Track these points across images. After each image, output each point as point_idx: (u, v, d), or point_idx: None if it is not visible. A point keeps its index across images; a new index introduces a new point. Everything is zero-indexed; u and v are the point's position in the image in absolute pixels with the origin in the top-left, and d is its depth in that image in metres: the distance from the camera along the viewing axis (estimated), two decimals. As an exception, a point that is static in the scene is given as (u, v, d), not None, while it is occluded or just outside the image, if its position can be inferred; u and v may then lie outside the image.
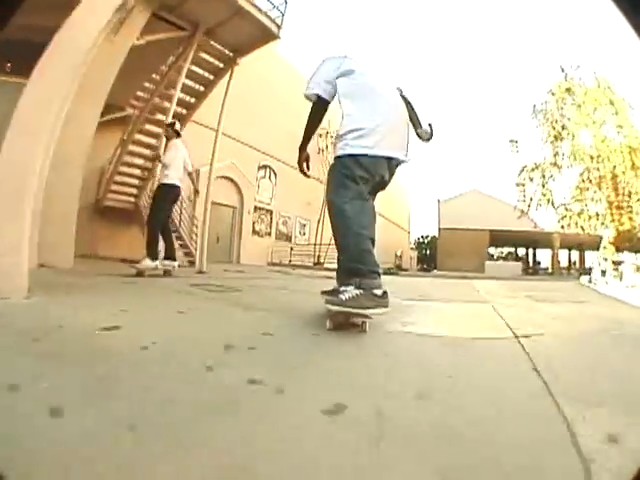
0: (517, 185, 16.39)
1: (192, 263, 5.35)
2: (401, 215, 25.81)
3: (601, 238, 13.61)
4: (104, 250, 5.95)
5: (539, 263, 27.38)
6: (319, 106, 1.62)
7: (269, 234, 11.33)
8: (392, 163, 1.59)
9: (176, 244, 3.81)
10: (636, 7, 0.55)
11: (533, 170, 13.53)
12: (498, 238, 22.98)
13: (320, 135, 12.49)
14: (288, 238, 12.18)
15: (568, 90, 12.10)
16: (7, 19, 0.57)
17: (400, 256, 24.49)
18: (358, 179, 1.51)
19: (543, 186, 13.39)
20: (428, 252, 33.62)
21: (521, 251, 30.71)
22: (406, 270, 25.54)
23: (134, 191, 6.40)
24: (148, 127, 5.72)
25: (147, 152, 5.79)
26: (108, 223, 6.31)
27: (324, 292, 1.59)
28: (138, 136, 5.69)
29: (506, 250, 31.40)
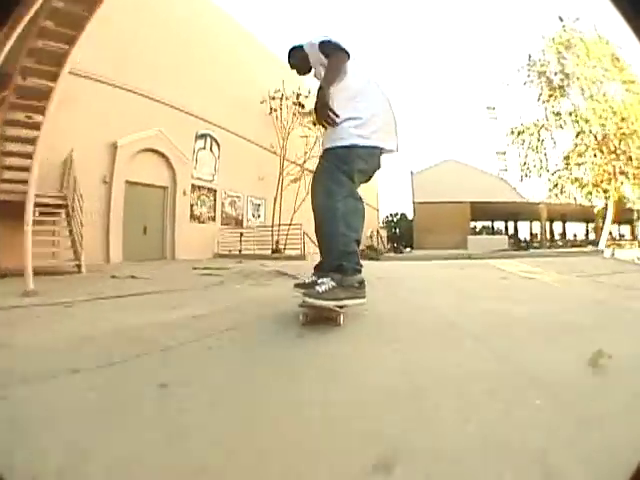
0: (502, 152, 16.84)
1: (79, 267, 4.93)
2: (370, 193, 26.29)
3: (603, 209, 14.58)
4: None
5: (531, 235, 29.21)
6: (345, 61, 1.73)
7: (213, 219, 10.66)
8: (382, 153, 1.78)
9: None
10: (636, 9, 0.62)
11: (521, 133, 13.98)
12: (480, 211, 24.01)
13: (273, 98, 12.29)
14: (239, 222, 11.64)
15: (567, 42, 12.38)
16: (6, 19, 0.65)
17: (372, 237, 25.17)
18: (355, 173, 1.67)
19: (536, 150, 13.88)
20: (397, 230, 35.65)
21: (498, 224, 32.55)
22: (381, 252, 26.51)
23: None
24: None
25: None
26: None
27: (298, 285, 1.74)
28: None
29: (480, 224, 33.07)
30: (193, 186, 9.90)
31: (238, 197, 11.73)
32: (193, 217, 9.92)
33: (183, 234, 9.32)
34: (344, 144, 1.63)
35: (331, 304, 1.50)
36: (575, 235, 31.52)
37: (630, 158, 11.58)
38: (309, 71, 1.97)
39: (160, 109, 9.03)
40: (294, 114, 12.43)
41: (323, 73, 1.72)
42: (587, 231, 31.10)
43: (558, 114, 12.86)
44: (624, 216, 19.16)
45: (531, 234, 29.35)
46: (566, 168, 13.42)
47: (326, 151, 1.70)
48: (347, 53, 1.73)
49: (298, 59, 1.94)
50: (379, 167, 1.84)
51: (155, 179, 8.95)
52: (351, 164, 1.64)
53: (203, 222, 10.30)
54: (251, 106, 12.03)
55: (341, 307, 1.52)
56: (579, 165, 12.87)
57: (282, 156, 12.46)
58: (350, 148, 1.63)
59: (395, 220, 37.58)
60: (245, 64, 12.19)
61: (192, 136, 10.08)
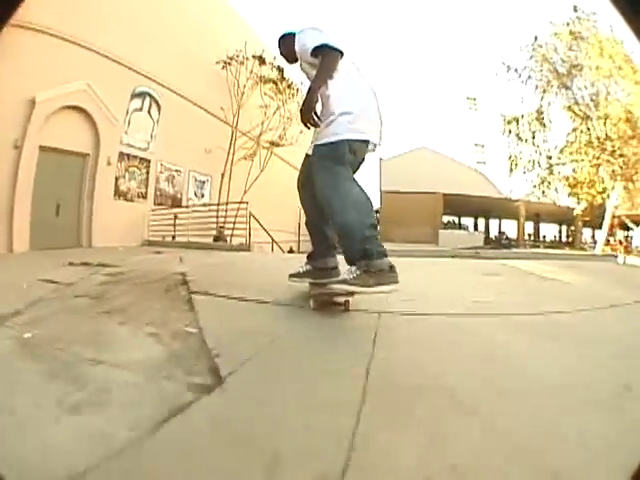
0: (481, 145, 17.79)
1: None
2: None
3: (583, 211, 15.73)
4: None
5: (503, 233, 30.86)
6: (338, 61, 1.95)
7: (143, 196, 9.86)
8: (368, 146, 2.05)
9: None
10: (636, 9, 0.68)
11: (510, 123, 14.57)
12: (454, 204, 24.80)
13: (231, 59, 11.75)
14: (177, 202, 10.93)
15: (578, 33, 12.90)
16: (6, 19, 0.88)
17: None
18: (348, 165, 1.96)
19: (528, 142, 14.54)
20: None
21: (465, 220, 33.84)
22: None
23: None
24: None
25: None
26: None
27: (294, 275, 2.28)
28: None
29: (445, 219, 34.59)
30: (121, 155, 9.13)
31: (178, 171, 11.10)
32: (118, 193, 9.12)
33: (104, 215, 8.51)
34: (340, 138, 1.89)
35: (360, 290, 1.77)
36: (557, 236, 33.60)
37: (626, 162, 12.52)
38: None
39: (90, 59, 8.26)
40: (255, 82, 12.09)
41: (309, 70, 2.05)
42: (560, 233, 33.35)
43: (575, 104, 13.54)
44: (596, 222, 20.78)
45: (499, 232, 31.00)
46: (560, 164, 14.26)
47: (321, 146, 1.95)
48: (340, 52, 1.95)
49: (288, 48, 2.16)
50: (364, 159, 2.15)
51: (74, 144, 8.16)
52: (345, 156, 1.92)
53: (131, 200, 9.51)
54: (204, 66, 11.48)
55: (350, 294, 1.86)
56: (576, 162, 13.64)
57: (234, 126, 12.04)
58: (345, 142, 1.90)
59: None
60: (201, 15, 11.57)
61: (127, 94, 9.33)
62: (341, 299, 1.91)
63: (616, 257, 6.06)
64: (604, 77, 12.66)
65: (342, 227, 1.90)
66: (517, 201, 24.36)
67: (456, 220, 35.06)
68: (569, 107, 13.56)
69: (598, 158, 12.93)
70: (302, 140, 15.05)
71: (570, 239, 30.69)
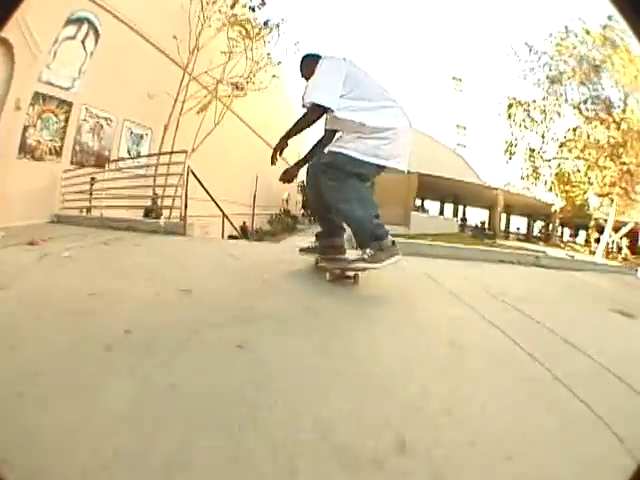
0: (462, 127, 19.83)
1: None
2: (290, 149, 26.58)
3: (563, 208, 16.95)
4: None
5: (483, 223, 32.60)
6: (321, 113, 2.59)
7: (57, 152, 8.19)
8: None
9: None
10: (636, 9, 0.77)
11: (514, 107, 15.10)
12: (429, 186, 25.18)
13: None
14: (102, 161, 9.14)
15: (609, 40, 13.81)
16: (5, 19, 0.95)
17: (287, 200, 25.26)
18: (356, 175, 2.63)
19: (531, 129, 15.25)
20: None
21: (430, 205, 34.82)
22: (295, 218, 26.77)
23: None
24: None
25: None
26: None
27: (304, 250, 3.17)
28: None
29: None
30: (36, 95, 7.60)
31: (108, 120, 9.61)
32: (25, 150, 7.50)
33: (2, 179, 6.98)
34: (360, 158, 2.56)
35: (377, 266, 2.49)
36: (540, 230, 35.61)
37: (629, 171, 13.40)
38: None
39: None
40: (223, 23, 11.22)
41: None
42: (529, 226, 35.51)
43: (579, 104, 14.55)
44: (576, 220, 22.41)
45: (482, 222, 32.24)
46: (559, 158, 15.12)
47: (338, 153, 2.60)
48: (326, 109, 2.54)
49: (309, 71, 2.72)
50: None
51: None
52: (357, 169, 2.60)
53: (40, 158, 7.83)
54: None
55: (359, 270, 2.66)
56: (578, 159, 14.52)
57: (191, 71, 10.97)
58: (364, 162, 2.58)
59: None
60: None
61: (62, 18, 7.82)
62: (352, 273, 2.76)
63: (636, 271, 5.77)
64: (629, 84, 13.21)
65: (354, 222, 2.64)
66: (496, 189, 25.41)
67: (419, 203, 36.21)
68: (578, 104, 14.27)
69: (597, 160, 13.69)
70: (269, 97, 14.60)
71: (543, 234, 32.90)
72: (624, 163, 13.63)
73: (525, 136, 16.11)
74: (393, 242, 2.54)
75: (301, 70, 2.90)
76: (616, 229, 18.45)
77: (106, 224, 6.22)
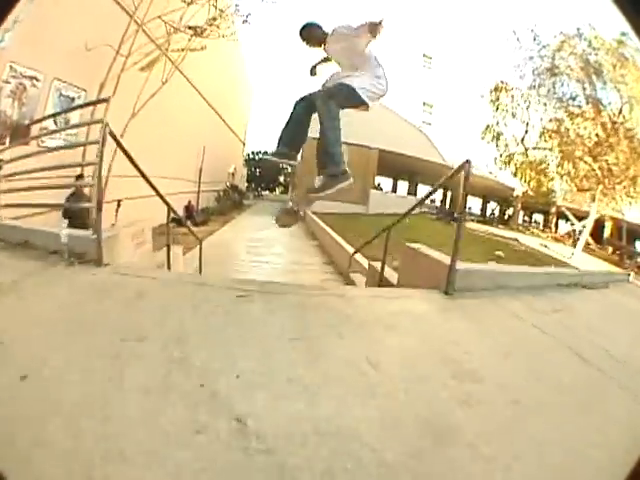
0: (430, 105, 21.34)
1: None
2: (238, 119, 27.57)
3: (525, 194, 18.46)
4: None
5: (442, 202, 34.59)
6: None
7: None
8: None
9: None
10: (636, 9, 0.89)
11: (499, 91, 16.30)
12: (388, 163, 25.68)
13: None
14: (22, 134, 7.66)
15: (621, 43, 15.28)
16: (4, 17, 1.09)
17: (233, 174, 24.99)
18: None
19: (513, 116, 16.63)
20: (259, 170, 41.78)
21: (382, 180, 35.86)
22: (242, 194, 26.63)
23: None
24: None
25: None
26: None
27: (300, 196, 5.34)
28: None
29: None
30: None
31: (34, 80, 8.69)
32: None
33: None
34: (359, 92, 3.55)
35: (340, 185, 3.52)
36: (493, 212, 37.87)
37: (610, 170, 15.11)
38: (319, 45, 3.86)
39: None
40: None
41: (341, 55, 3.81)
42: (484, 208, 38.02)
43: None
44: (537, 205, 24.17)
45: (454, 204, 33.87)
46: (538, 148, 16.54)
47: (347, 86, 3.54)
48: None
49: (316, 36, 3.84)
50: None
51: None
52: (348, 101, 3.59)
53: None
54: None
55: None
56: (551, 150, 15.89)
57: (134, 14, 10.08)
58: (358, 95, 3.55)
59: (257, 158, 42.09)
60: None
61: None
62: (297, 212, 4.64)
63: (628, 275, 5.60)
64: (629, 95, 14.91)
65: (331, 146, 3.49)
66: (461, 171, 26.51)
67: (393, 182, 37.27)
68: (567, 99, 15.66)
69: (573, 153, 15.17)
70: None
71: (499, 216, 35.14)
72: (607, 162, 15.03)
73: (507, 123, 17.45)
74: (345, 170, 3.52)
75: (306, 37, 3.84)
76: (580, 217, 19.99)
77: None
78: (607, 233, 22.32)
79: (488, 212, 38.10)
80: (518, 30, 18.18)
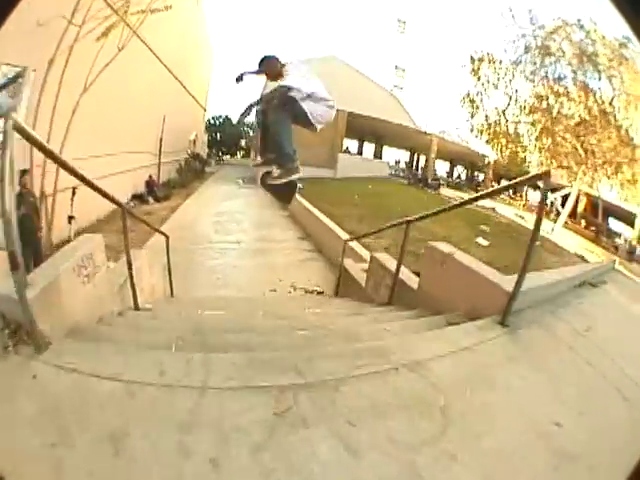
0: (402, 69, 21.64)
1: None
2: (199, 84, 27.04)
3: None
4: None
5: (418, 169, 35.32)
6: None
7: None
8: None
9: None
10: (636, 9, 0.80)
11: (482, 61, 16.98)
12: (357, 126, 25.82)
13: None
14: None
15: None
16: (4, 17, 1.08)
17: (194, 141, 24.74)
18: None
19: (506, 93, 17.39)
20: (219, 136, 42.04)
21: (348, 143, 36.17)
22: (204, 162, 26.41)
23: None
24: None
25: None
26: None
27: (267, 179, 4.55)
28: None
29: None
30: None
31: None
32: None
33: None
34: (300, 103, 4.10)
35: (287, 179, 4.31)
36: (459, 175, 38.88)
37: (593, 152, 16.30)
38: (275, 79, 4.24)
39: None
40: None
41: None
42: (451, 172, 39.43)
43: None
44: (509, 174, 25.08)
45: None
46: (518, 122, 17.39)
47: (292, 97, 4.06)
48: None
49: (273, 69, 4.28)
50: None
51: None
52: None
53: None
54: None
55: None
56: (533, 124, 16.80)
57: None
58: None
59: (218, 123, 42.49)
60: None
61: None
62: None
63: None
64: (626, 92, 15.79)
65: (281, 143, 4.22)
66: (430, 135, 27.14)
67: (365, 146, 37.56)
68: (553, 79, 16.72)
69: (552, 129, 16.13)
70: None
71: (468, 181, 36.31)
72: (590, 144, 15.97)
73: (490, 94, 17.94)
74: (297, 166, 4.35)
75: (263, 69, 4.36)
76: (553, 189, 21.04)
77: None
78: (581, 208, 23.27)
79: (454, 175, 39.47)
80: (514, 8, 18.72)
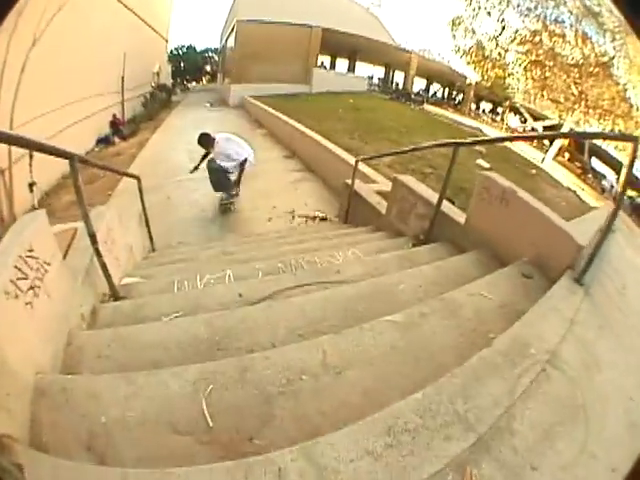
0: None
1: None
2: (160, 15, 25.99)
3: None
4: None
5: (397, 84, 35.01)
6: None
7: None
8: None
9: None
10: (636, 9, 0.87)
11: None
12: (333, 42, 25.08)
13: None
14: None
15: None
16: (3, 16, 1.04)
17: (158, 73, 24.03)
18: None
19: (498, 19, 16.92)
20: (183, 65, 41.78)
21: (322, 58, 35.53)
22: (170, 91, 25.48)
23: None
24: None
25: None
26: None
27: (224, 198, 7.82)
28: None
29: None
30: None
31: None
32: None
33: None
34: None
35: (230, 201, 7.66)
36: (435, 93, 39.03)
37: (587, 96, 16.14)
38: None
39: None
40: None
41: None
42: (427, 89, 39.75)
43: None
44: (490, 96, 25.04)
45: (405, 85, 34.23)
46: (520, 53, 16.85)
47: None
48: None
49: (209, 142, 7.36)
50: None
51: None
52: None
53: None
54: None
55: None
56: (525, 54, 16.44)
57: None
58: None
59: (181, 52, 42.41)
60: None
61: None
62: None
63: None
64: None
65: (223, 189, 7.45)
66: (410, 52, 26.75)
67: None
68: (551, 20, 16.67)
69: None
70: None
71: (447, 99, 36.22)
72: (583, 87, 15.75)
73: (481, 20, 17.70)
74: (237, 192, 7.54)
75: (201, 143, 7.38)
76: (535, 118, 20.73)
77: None
78: (566, 142, 23.40)
79: (431, 92, 39.45)
80: None
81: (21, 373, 1.50)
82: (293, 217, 7.30)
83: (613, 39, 15.69)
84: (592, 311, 2.23)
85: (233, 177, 7.18)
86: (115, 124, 14.71)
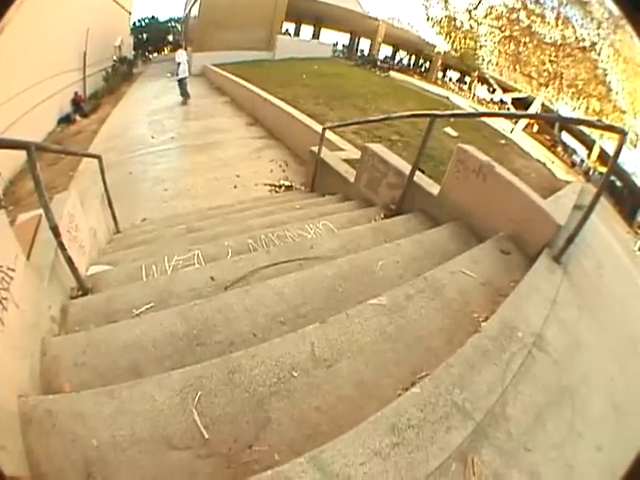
0: None
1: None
2: None
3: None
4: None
5: (362, 51, 34.71)
6: None
7: None
8: None
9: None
10: (635, 7, 0.88)
11: None
12: (298, 9, 25.25)
13: None
14: None
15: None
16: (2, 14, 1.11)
17: (120, 46, 24.17)
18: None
19: None
20: (145, 36, 40.66)
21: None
22: (132, 64, 24.87)
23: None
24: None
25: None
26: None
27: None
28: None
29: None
30: None
31: None
32: None
33: None
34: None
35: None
36: (401, 59, 38.91)
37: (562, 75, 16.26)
38: None
39: None
40: None
41: None
42: (393, 56, 39.03)
43: None
44: (459, 66, 25.07)
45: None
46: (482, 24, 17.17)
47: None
48: None
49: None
50: None
51: None
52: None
53: None
54: None
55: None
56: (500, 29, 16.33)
57: None
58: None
59: (144, 24, 40.52)
60: None
61: None
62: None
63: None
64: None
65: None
66: (377, 20, 26.72)
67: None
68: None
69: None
70: None
71: (415, 67, 36.21)
72: (561, 66, 16.03)
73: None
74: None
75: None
76: (505, 89, 20.74)
77: None
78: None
79: (397, 59, 39.39)
80: None
81: (5, 403, 1.39)
82: (257, 185, 7.04)
83: (599, 27, 15.72)
84: (571, 290, 2.31)
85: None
86: (76, 101, 14.19)
